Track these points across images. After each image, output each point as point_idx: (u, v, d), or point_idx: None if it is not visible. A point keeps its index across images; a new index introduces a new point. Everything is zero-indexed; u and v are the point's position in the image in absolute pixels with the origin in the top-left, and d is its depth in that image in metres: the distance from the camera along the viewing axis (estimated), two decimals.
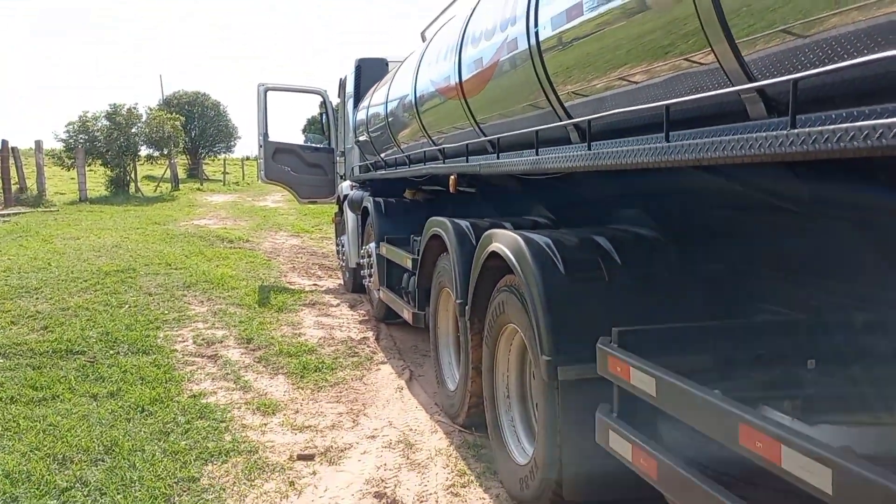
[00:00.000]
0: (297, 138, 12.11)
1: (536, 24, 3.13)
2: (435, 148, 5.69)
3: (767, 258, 3.02)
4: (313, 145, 12.07)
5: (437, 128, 5.50)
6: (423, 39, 8.34)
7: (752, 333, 2.68)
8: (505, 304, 3.65)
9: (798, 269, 2.86)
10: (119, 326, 7.38)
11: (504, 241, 3.50)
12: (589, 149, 2.77)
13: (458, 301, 4.32)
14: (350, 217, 10.00)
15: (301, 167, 11.87)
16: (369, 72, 9.95)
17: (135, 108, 27.35)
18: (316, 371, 6.23)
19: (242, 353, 6.86)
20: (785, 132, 1.70)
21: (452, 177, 4.69)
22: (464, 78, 4.33)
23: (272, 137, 11.60)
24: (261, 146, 11.60)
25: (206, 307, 8.80)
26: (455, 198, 7.08)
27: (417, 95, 5.78)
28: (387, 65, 10.06)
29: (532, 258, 3.19)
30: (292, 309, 8.91)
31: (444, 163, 5.85)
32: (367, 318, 8.47)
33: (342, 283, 10.95)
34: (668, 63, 2.31)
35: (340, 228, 11.06)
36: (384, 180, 8.46)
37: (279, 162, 11.70)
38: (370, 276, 8.20)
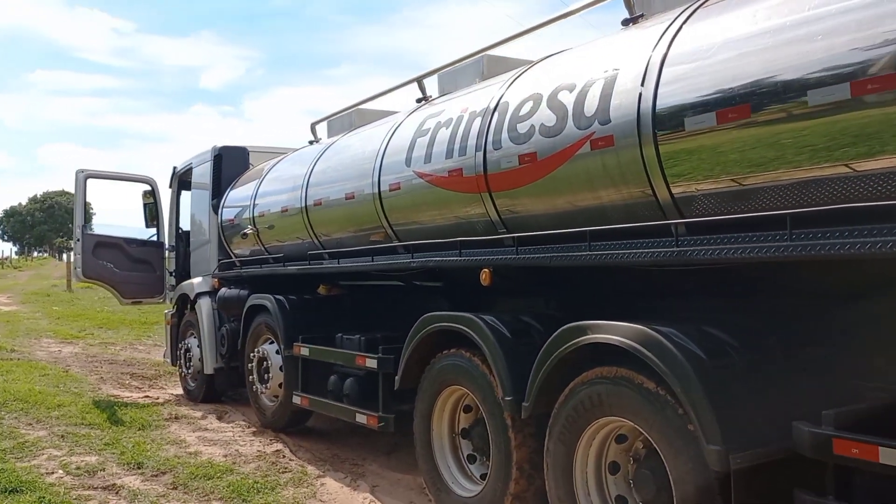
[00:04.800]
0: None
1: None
2: (373, 246, 5.53)
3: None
4: (140, 239, 10.86)
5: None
6: (313, 132, 8.16)
7: None
8: (603, 397, 3.60)
9: None
10: None
11: (621, 332, 3.48)
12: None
13: (507, 398, 4.14)
14: (206, 318, 9.10)
15: (126, 263, 10.59)
16: (230, 161, 9.38)
17: None
18: (258, 493, 5.46)
19: (144, 481, 5.79)
20: None
21: (485, 270, 4.56)
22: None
23: (102, 228, 10.28)
24: (78, 240, 10.19)
25: (45, 430, 7.35)
26: (387, 293, 6.89)
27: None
28: (248, 153, 9.60)
29: (676, 349, 3.22)
30: (157, 425, 7.76)
31: (372, 259, 5.77)
32: (257, 428, 7.64)
33: (185, 392, 9.79)
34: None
35: (182, 331, 9.97)
36: (269, 277, 7.92)
37: (100, 257, 10.33)
38: (263, 381, 7.48)
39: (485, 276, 4.55)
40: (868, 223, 2.71)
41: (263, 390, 7.49)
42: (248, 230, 7.92)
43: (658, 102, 3.44)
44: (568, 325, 3.81)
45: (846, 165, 2.83)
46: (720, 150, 3.21)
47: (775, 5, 3.21)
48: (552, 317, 4.49)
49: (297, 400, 6.73)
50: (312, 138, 8.27)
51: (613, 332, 3.53)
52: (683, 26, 3.57)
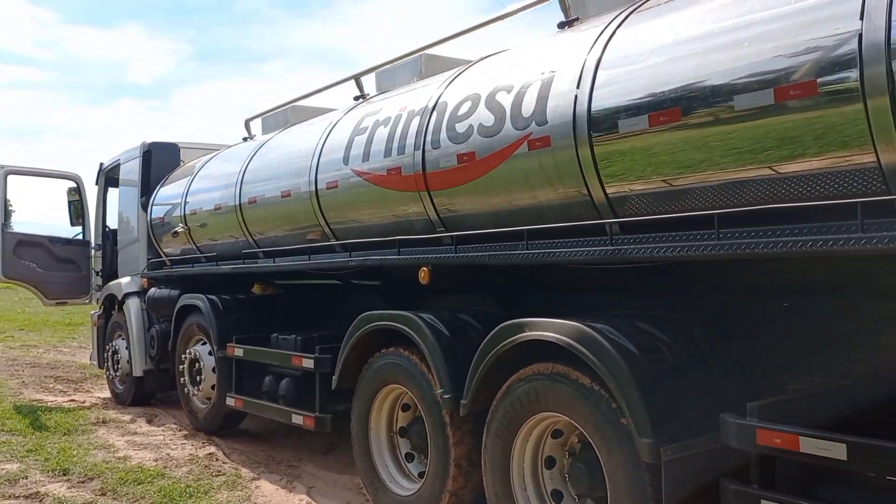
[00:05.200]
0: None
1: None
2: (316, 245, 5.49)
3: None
4: (65, 237, 10.45)
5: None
6: (247, 128, 8.03)
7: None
8: (540, 393, 3.65)
9: None
10: None
11: (557, 329, 3.54)
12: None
13: (445, 396, 4.16)
14: (135, 319, 8.84)
15: (50, 263, 10.18)
16: (161, 157, 9.13)
17: None
18: (190, 497, 5.33)
19: (70, 488, 5.59)
20: None
21: (424, 268, 4.56)
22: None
23: (24, 226, 9.84)
24: None
25: None
26: (324, 293, 6.83)
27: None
28: (179, 150, 9.36)
29: (610, 345, 3.30)
30: (84, 430, 7.50)
31: (309, 258, 5.73)
32: (189, 431, 7.46)
33: (112, 395, 9.47)
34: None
35: (109, 333, 9.64)
36: (201, 276, 7.75)
37: (22, 256, 9.91)
38: (195, 383, 7.31)
39: (423, 275, 4.56)
40: (790, 223, 2.83)
41: (195, 392, 7.31)
42: (180, 228, 7.72)
43: (593, 105, 3.52)
44: (506, 323, 3.86)
45: (770, 168, 2.95)
46: (652, 152, 3.30)
47: (705, 12, 3.32)
48: (491, 314, 4.54)
49: (230, 402, 6.60)
50: (246, 135, 8.12)
51: (550, 329, 3.59)
52: (617, 31, 3.67)
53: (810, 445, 2.65)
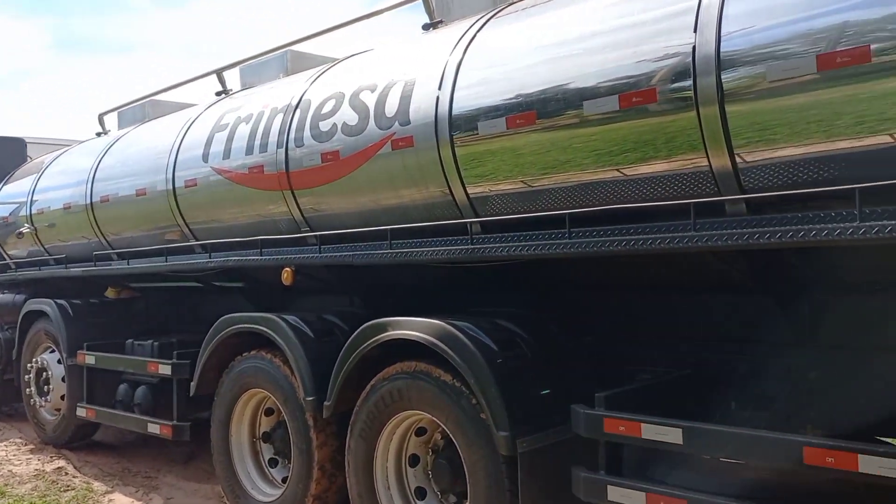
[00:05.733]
0: None
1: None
2: (194, 243, 5.28)
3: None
4: None
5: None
6: (101, 123, 7.61)
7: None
8: (403, 392, 3.67)
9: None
10: None
11: (419, 327, 3.57)
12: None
13: (309, 398, 4.10)
14: None
15: None
16: (4, 153, 8.46)
17: None
18: None
19: None
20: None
21: (287, 269, 4.45)
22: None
23: None
24: None
25: None
26: (184, 295, 6.54)
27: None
28: (25, 145, 8.71)
29: (470, 342, 3.37)
30: None
31: (166, 260, 5.51)
32: (36, 445, 6.92)
33: None
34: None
35: None
36: (49, 280, 7.23)
37: None
38: (43, 393, 6.81)
39: (286, 276, 4.46)
40: (636, 223, 3.00)
41: (43, 403, 6.81)
42: (25, 229, 7.17)
43: (454, 106, 3.57)
44: (369, 323, 3.85)
45: (618, 170, 3.11)
46: (510, 153, 3.40)
47: (560, 19, 3.47)
48: (357, 314, 4.51)
49: (81, 412, 6.19)
50: (101, 130, 7.66)
51: (412, 327, 3.62)
52: (478, 34, 3.75)
53: (650, 431, 2.82)
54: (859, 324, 3.18)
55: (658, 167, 2.98)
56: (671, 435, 2.76)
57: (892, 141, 2.44)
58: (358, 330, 3.88)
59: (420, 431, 3.85)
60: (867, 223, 2.38)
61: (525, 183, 3.41)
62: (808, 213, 2.58)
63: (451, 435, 3.51)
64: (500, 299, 4.13)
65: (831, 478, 2.54)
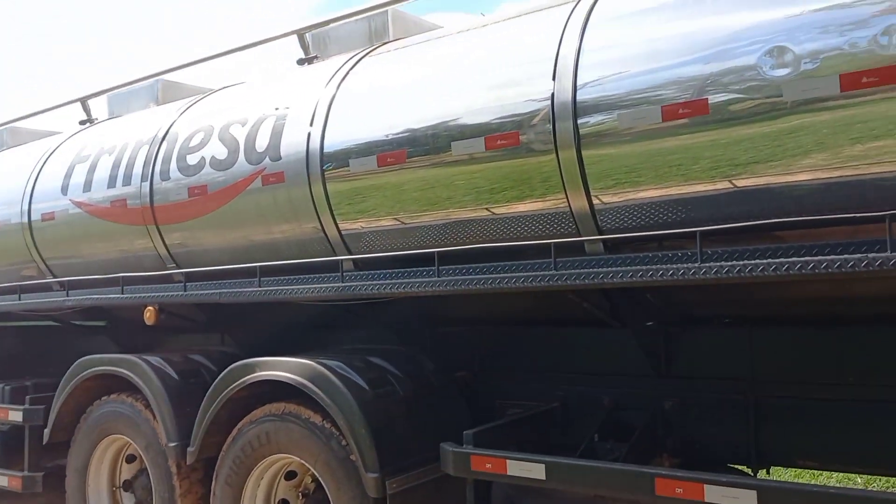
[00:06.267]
0: None
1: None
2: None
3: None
4: None
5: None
6: None
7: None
8: (272, 435, 3.57)
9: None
10: None
11: (287, 368, 3.48)
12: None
13: (171, 444, 3.90)
14: None
15: None
16: None
17: None
18: None
19: None
20: None
21: (150, 308, 4.24)
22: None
23: None
24: None
25: None
26: (41, 335, 6.11)
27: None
28: None
29: (340, 381, 3.32)
30: None
31: (19, 298, 5.14)
32: None
33: None
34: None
35: None
36: None
37: None
38: None
39: (149, 315, 4.26)
40: (505, 260, 3.06)
41: None
42: None
43: (326, 142, 3.56)
44: (236, 364, 3.73)
45: (487, 209, 3.18)
46: (382, 191, 3.41)
47: (431, 60, 3.55)
48: (226, 354, 4.37)
49: None
50: None
51: (281, 367, 3.53)
52: (351, 71, 3.77)
53: (515, 468, 2.86)
54: (709, 355, 3.38)
55: (523, 207, 3.07)
56: (535, 471, 2.81)
57: (731, 186, 2.63)
58: (224, 371, 3.75)
59: (290, 475, 3.74)
60: (707, 264, 2.53)
61: (397, 220, 3.43)
62: (658, 254, 2.73)
63: (320, 478, 3.43)
64: (374, 336, 4.11)
65: None
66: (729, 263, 2.49)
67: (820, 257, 2.33)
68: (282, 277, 3.74)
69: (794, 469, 5.26)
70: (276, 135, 3.76)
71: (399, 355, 3.72)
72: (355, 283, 3.45)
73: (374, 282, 3.38)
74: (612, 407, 3.46)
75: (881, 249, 2.26)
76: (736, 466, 3.35)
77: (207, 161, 4.00)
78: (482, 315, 3.83)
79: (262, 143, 3.80)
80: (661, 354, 3.44)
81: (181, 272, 4.19)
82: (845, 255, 2.30)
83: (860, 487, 4.98)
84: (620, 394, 3.50)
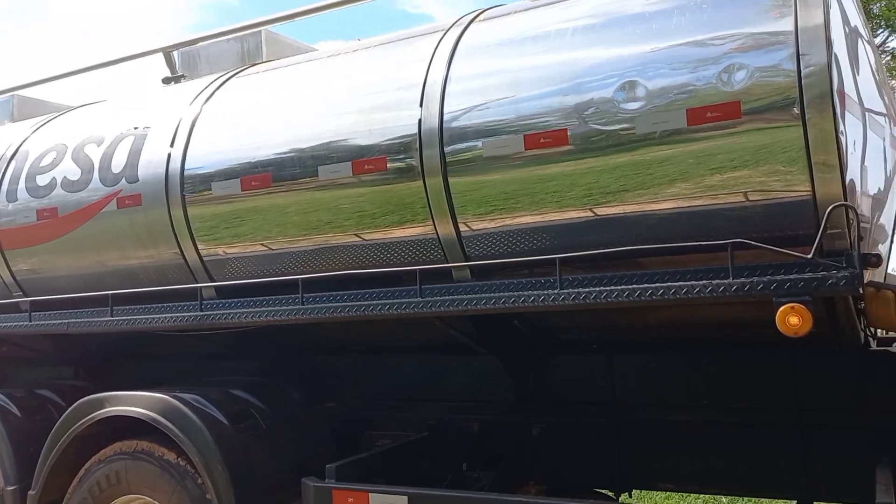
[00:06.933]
0: None
1: None
2: None
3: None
4: None
5: None
6: None
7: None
8: (122, 474, 3.32)
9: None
10: None
11: (140, 402, 3.26)
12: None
13: (9, 488, 3.57)
14: None
15: None
16: None
17: None
18: None
19: None
20: None
21: None
22: None
23: None
24: None
25: None
26: None
27: None
28: None
29: (196, 416, 3.13)
30: None
31: None
32: None
33: None
34: None
35: None
36: None
37: None
38: None
39: None
40: (378, 287, 3.00)
41: None
42: None
43: (187, 164, 3.40)
44: (84, 399, 3.47)
45: (356, 235, 3.12)
46: (246, 216, 3.28)
47: (298, 81, 3.49)
48: (79, 388, 4.05)
49: None
50: None
51: (133, 402, 3.31)
52: (217, 92, 3.63)
53: (378, 501, 2.78)
54: (574, 381, 3.44)
55: (392, 234, 3.03)
56: (398, 503, 2.74)
57: (592, 214, 2.69)
58: (71, 406, 3.48)
59: None
60: (566, 290, 2.57)
61: (262, 245, 3.31)
62: (522, 280, 2.75)
63: None
64: (240, 367, 3.93)
65: None
66: (586, 290, 2.54)
67: (669, 283, 2.41)
68: (138, 306, 3.52)
69: (663, 493, 5.45)
70: (135, 155, 3.56)
71: (263, 387, 3.57)
72: (214, 312, 3.29)
73: (235, 310, 3.24)
74: (481, 434, 3.45)
75: (724, 276, 2.36)
76: (601, 490, 3.41)
77: (59, 182, 3.74)
78: (351, 343, 3.75)
79: (118, 164, 3.59)
80: (528, 381, 3.47)
81: (27, 300, 3.87)
82: (692, 282, 2.38)
83: None
84: (489, 421, 3.50)
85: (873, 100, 3.24)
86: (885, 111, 3.50)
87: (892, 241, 3.59)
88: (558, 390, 3.46)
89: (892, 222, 3.61)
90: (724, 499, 5.68)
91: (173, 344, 3.93)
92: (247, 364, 3.90)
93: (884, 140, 3.28)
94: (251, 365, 3.89)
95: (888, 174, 3.54)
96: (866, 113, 3.06)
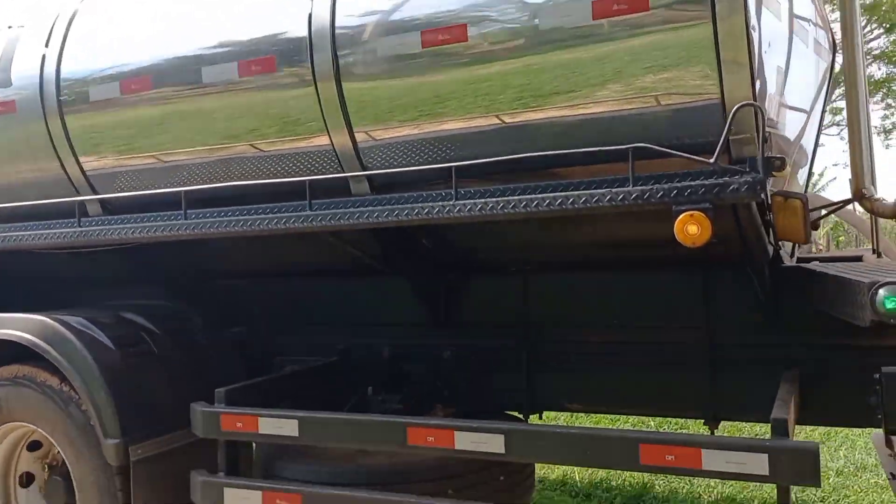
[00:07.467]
0: None
1: None
2: None
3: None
4: None
5: None
6: None
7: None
8: (4, 401, 3.12)
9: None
10: None
11: (18, 325, 3.02)
12: None
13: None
14: None
15: None
16: None
17: None
18: None
19: None
20: None
21: None
22: None
23: None
24: None
25: None
26: None
27: None
28: None
29: (78, 339, 2.91)
30: None
31: None
32: None
33: None
34: None
35: None
36: None
37: None
38: None
39: None
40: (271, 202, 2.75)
41: None
42: None
43: (63, 67, 3.08)
44: None
45: (249, 145, 2.86)
46: (128, 124, 3.00)
47: None
48: None
49: None
50: None
51: (11, 325, 3.08)
52: None
53: (268, 425, 2.63)
54: (487, 303, 3.30)
55: (284, 144, 2.79)
56: (287, 427, 2.59)
57: (497, 122, 2.49)
58: None
59: (34, 446, 3.31)
60: (461, 202, 2.39)
61: (148, 157, 3.04)
62: (421, 193, 2.55)
63: (58, 447, 3.03)
64: (142, 292, 3.70)
65: (437, 456, 2.55)
66: (482, 201, 2.36)
67: (567, 193, 2.24)
68: (15, 225, 3.24)
69: (581, 414, 5.43)
70: (6, 57, 3.23)
71: (159, 310, 3.36)
72: (94, 228, 3.03)
73: (114, 226, 2.99)
74: (392, 359, 3.31)
75: (626, 185, 2.20)
76: (512, 413, 3.32)
77: None
78: (253, 266, 3.55)
79: None
80: (440, 304, 3.32)
81: None
82: (590, 191, 2.22)
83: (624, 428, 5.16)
84: (400, 345, 3.35)
85: (804, 5, 3.06)
86: (817, 20, 3.32)
87: (811, 164, 3.48)
88: (472, 313, 3.32)
89: (814, 144, 3.49)
90: (651, 421, 5.69)
91: (66, 265, 3.68)
92: (150, 289, 3.66)
93: (810, 48, 3.11)
94: (154, 290, 3.65)
95: (815, 92, 3.39)
96: (793, 17, 2.88)
